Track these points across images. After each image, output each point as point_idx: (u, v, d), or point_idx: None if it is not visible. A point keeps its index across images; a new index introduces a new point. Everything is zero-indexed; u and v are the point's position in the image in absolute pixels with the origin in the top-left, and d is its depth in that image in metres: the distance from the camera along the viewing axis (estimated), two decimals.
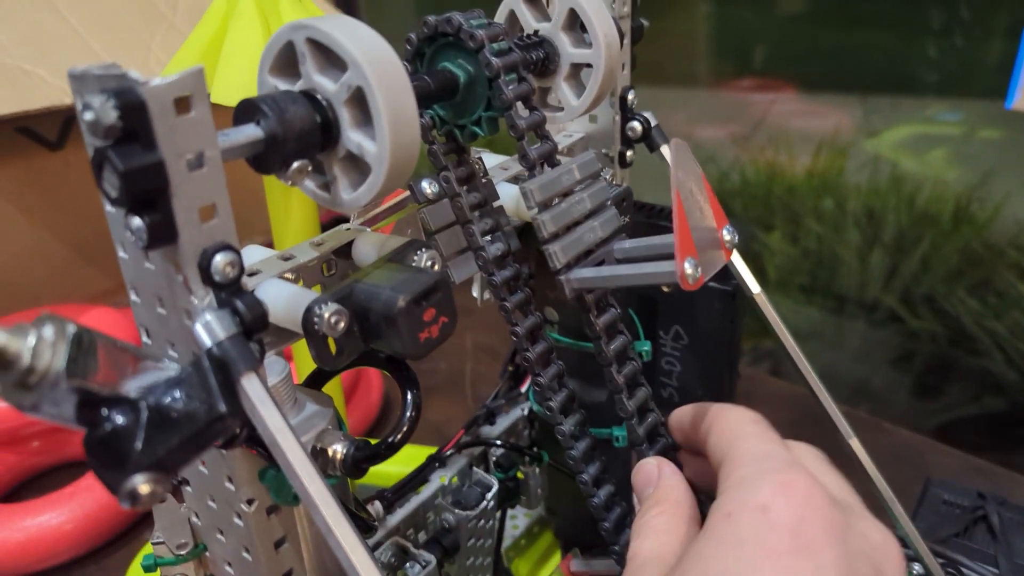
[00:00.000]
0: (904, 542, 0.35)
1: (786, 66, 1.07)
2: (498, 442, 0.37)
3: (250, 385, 0.19)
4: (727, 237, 0.25)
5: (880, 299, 1.04)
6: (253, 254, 0.25)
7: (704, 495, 0.27)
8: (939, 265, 1.00)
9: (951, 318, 0.98)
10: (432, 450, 0.50)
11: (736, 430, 0.25)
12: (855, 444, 0.33)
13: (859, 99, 1.02)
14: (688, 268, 0.22)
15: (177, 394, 0.17)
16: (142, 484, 0.16)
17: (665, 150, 0.34)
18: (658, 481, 0.26)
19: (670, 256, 0.24)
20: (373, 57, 0.20)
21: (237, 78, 0.29)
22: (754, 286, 0.33)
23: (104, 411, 0.16)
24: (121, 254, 0.21)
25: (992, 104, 0.89)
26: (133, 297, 0.22)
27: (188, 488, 0.24)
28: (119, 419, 0.16)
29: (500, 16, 0.30)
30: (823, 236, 1.06)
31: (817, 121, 1.05)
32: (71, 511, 0.49)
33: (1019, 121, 0.87)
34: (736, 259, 0.34)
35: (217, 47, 0.29)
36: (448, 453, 0.36)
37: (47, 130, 0.67)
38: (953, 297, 0.98)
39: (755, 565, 0.20)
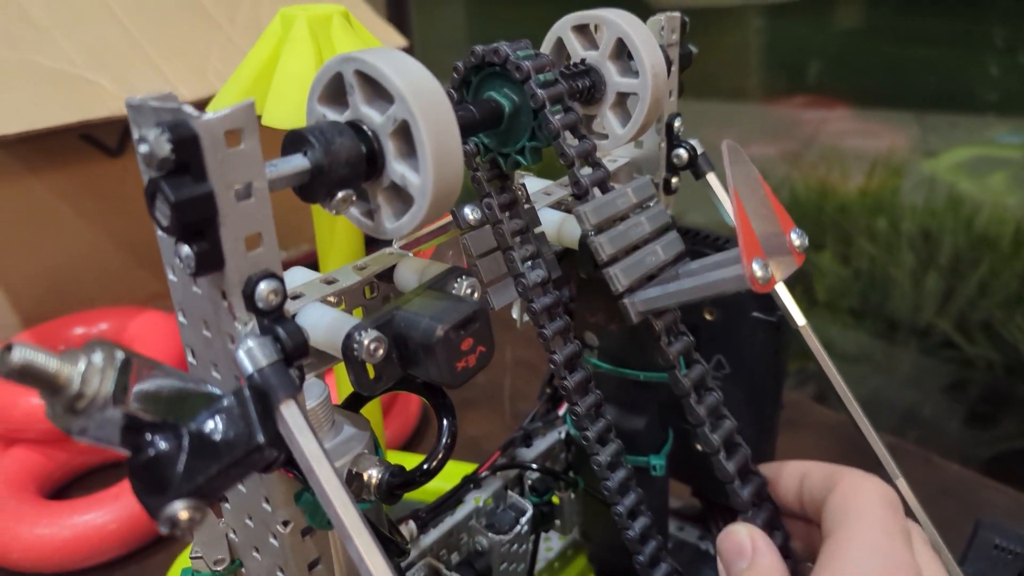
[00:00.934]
0: None
1: (840, 82, 1.05)
2: (534, 465, 0.37)
3: (289, 412, 0.19)
4: (796, 241, 0.24)
5: (934, 323, 1.01)
6: (296, 276, 0.26)
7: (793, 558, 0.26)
8: (998, 290, 0.97)
9: (1008, 345, 0.95)
10: (468, 466, 0.50)
11: (863, 507, 0.24)
12: (902, 484, 0.32)
13: (916, 117, 0.99)
14: (757, 269, 0.21)
15: (219, 422, 0.17)
16: (181, 511, 0.16)
17: (712, 178, 0.33)
18: (753, 557, 0.25)
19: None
20: (419, 91, 0.20)
21: (289, 102, 0.29)
22: (799, 318, 0.33)
23: (148, 436, 0.17)
24: (170, 276, 0.22)
25: None
26: (180, 318, 0.22)
27: (227, 505, 0.25)
28: (162, 445, 0.17)
29: (548, 43, 0.30)
30: (876, 257, 1.04)
31: (871, 140, 1.03)
32: (116, 511, 0.50)
33: None
34: (781, 289, 0.33)
35: (270, 70, 0.30)
36: (484, 475, 0.36)
37: (107, 137, 0.69)
38: (1011, 324, 0.95)
39: None
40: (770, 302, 0.34)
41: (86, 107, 0.60)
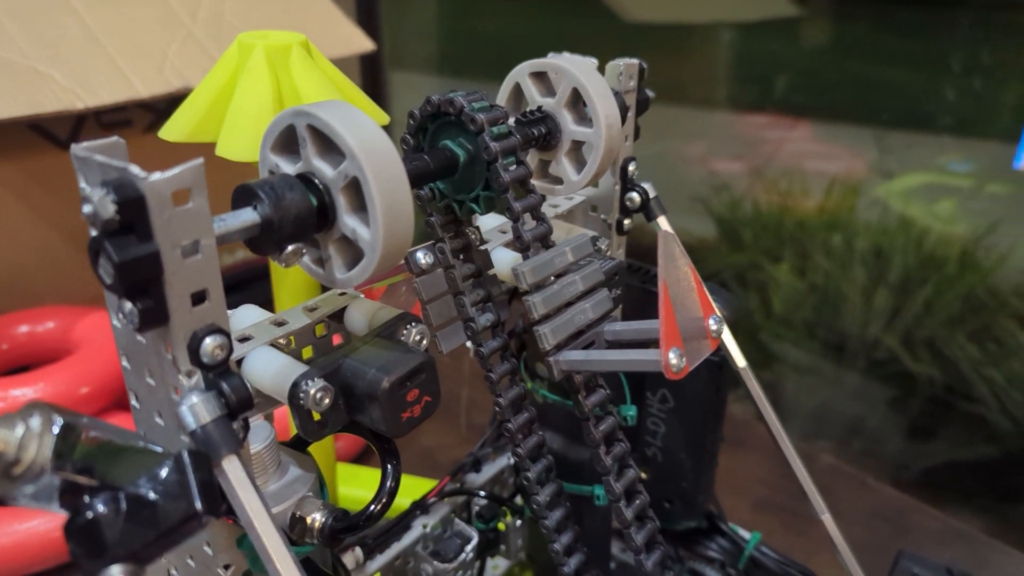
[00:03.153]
0: None
1: (806, 98, 1.07)
2: (481, 493, 0.37)
3: (231, 467, 0.19)
4: (713, 327, 0.25)
5: (881, 339, 1.04)
6: (247, 316, 0.26)
7: None
8: (942, 309, 1.00)
9: (950, 363, 0.98)
10: (421, 480, 0.51)
11: None
12: (827, 520, 0.34)
13: (875, 136, 1.02)
14: (673, 359, 0.23)
15: (157, 486, 0.17)
16: (117, 574, 0.16)
17: (662, 221, 0.34)
18: None
19: (657, 342, 0.24)
20: (370, 149, 0.21)
21: (243, 135, 0.29)
22: (740, 360, 0.34)
23: (86, 499, 0.17)
24: (114, 322, 0.22)
25: (1006, 148, 0.89)
26: (124, 363, 0.22)
27: None
28: (100, 508, 0.17)
29: (506, 89, 0.30)
30: (830, 272, 1.06)
31: (831, 162, 1.05)
32: (60, 517, 0.49)
33: None
34: (725, 333, 0.34)
35: (226, 98, 0.30)
36: (431, 501, 0.36)
37: (59, 128, 0.68)
38: (953, 342, 0.99)
39: None
40: None
41: (36, 100, 0.58)
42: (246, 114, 0.29)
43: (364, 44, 0.74)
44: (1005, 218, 0.92)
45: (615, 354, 0.25)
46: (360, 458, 0.58)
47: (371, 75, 1.15)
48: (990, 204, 0.94)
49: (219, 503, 0.18)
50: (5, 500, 0.16)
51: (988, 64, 0.92)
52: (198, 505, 0.17)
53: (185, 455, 0.18)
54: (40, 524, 0.49)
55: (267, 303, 0.30)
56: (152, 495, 0.17)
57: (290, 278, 0.34)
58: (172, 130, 0.31)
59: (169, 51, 0.66)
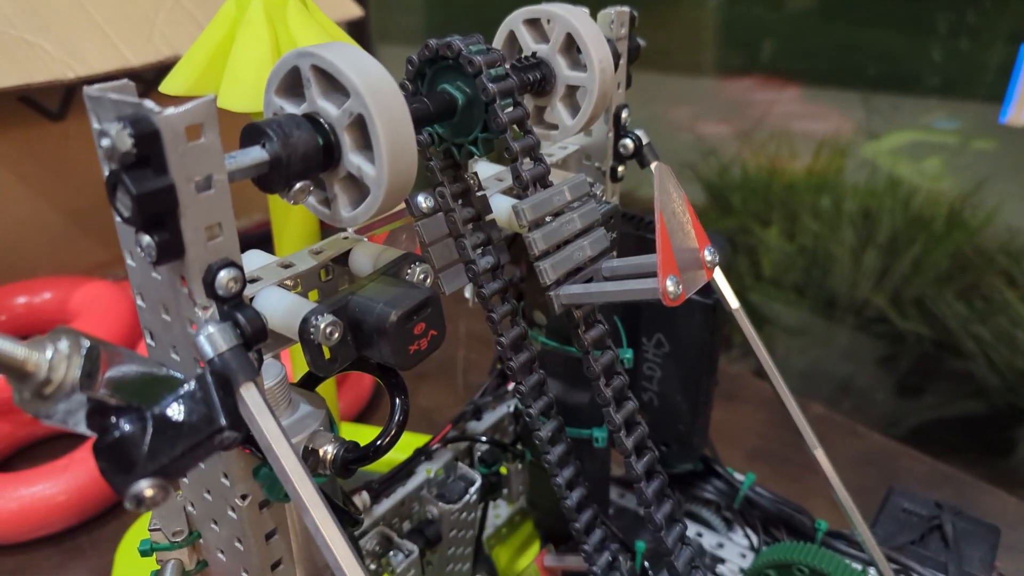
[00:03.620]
0: (860, 547, 0.37)
1: (792, 60, 1.08)
2: (483, 438, 0.39)
3: (248, 395, 0.20)
4: (708, 258, 0.26)
5: (870, 299, 1.05)
6: (254, 260, 0.27)
7: None
8: (930, 268, 1.01)
9: (938, 321, 1.00)
10: (420, 437, 0.52)
11: None
12: (820, 455, 0.35)
13: (862, 98, 1.03)
14: (670, 285, 0.24)
15: (181, 405, 0.18)
16: (147, 489, 0.17)
17: (655, 167, 0.35)
18: None
19: (655, 274, 0.25)
20: (374, 87, 0.21)
21: (244, 86, 0.29)
22: (733, 301, 0.35)
23: (113, 419, 0.18)
24: (129, 262, 0.22)
25: (991, 108, 0.90)
26: (139, 302, 0.23)
27: (185, 480, 0.26)
28: (127, 427, 0.18)
29: (500, 36, 0.31)
30: (819, 234, 1.07)
31: (819, 123, 1.06)
32: (64, 482, 0.50)
33: (1013, 133, 0.88)
34: (718, 275, 0.35)
35: (225, 51, 0.30)
36: (435, 447, 0.38)
37: (48, 101, 0.67)
38: (941, 300, 1.00)
39: None
40: (707, 286, 0.35)
41: (26, 71, 0.58)
42: (246, 65, 0.30)
43: (352, 10, 0.74)
44: (991, 175, 0.93)
45: (613, 284, 0.25)
46: (361, 417, 0.59)
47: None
48: (976, 160, 0.94)
49: (242, 421, 0.19)
50: (38, 417, 0.17)
51: (974, 24, 0.93)
52: (222, 420, 0.18)
53: (208, 375, 0.18)
54: (45, 489, 0.50)
55: None
56: (177, 413, 0.18)
57: (290, 231, 0.34)
58: (173, 84, 0.31)
59: (157, 19, 0.65)
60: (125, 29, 0.63)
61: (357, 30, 0.76)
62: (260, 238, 0.40)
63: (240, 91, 0.30)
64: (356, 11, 0.73)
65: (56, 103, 0.68)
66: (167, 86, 0.31)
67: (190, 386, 0.18)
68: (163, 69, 0.69)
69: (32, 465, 0.52)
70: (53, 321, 0.63)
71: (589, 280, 0.27)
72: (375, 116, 0.21)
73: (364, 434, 0.54)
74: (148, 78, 0.71)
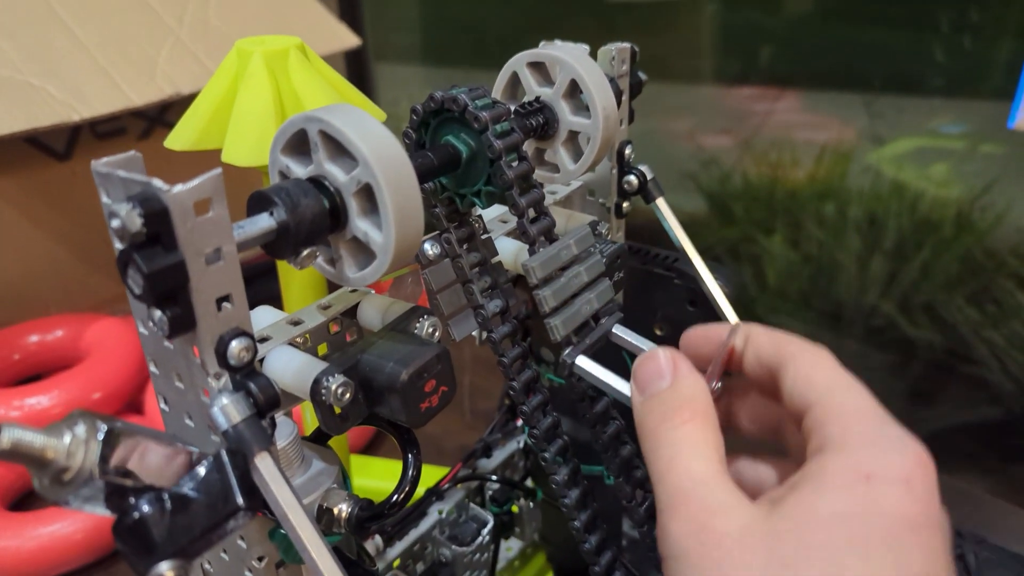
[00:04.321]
0: None
1: (792, 65, 1.07)
2: (494, 477, 0.39)
3: (263, 464, 0.20)
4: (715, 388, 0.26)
5: (878, 306, 1.04)
6: (263, 317, 0.27)
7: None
8: (939, 273, 1.01)
9: (949, 326, 0.99)
10: (429, 467, 0.52)
11: (834, 378, 0.22)
12: None
13: (864, 101, 1.02)
14: None
15: (199, 485, 0.18)
16: (167, 571, 0.17)
17: (661, 202, 0.35)
18: (675, 380, 0.23)
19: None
20: (382, 155, 0.21)
21: (247, 140, 0.30)
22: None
23: (132, 500, 0.18)
24: (141, 330, 0.22)
25: (998, 107, 0.89)
26: (152, 368, 0.23)
27: None
28: (145, 508, 0.18)
29: (503, 78, 0.31)
30: (824, 241, 1.07)
31: (820, 132, 1.05)
32: (81, 520, 0.50)
33: (1021, 136, 0.88)
34: (728, 309, 0.35)
35: (228, 106, 0.31)
36: (445, 487, 0.38)
37: (55, 141, 0.68)
38: (951, 305, 0.99)
39: (898, 539, 0.19)
40: (716, 320, 0.35)
41: (32, 114, 0.59)
42: (249, 120, 0.30)
43: (349, 40, 0.74)
44: (1000, 178, 0.93)
45: (620, 383, 0.26)
46: (368, 448, 0.59)
47: (356, 68, 1.16)
48: (984, 165, 0.94)
49: (259, 498, 0.19)
50: (58, 504, 0.17)
51: (977, 21, 0.92)
52: (240, 501, 0.18)
53: (223, 454, 0.19)
54: (63, 527, 0.50)
55: (270, 299, 0.30)
56: (195, 494, 0.18)
57: (298, 277, 0.34)
58: (178, 139, 0.31)
59: (159, 58, 0.66)
60: (127, 69, 0.64)
61: (355, 51, 0.77)
62: (263, 269, 0.40)
63: (244, 146, 0.30)
64: (354, 40, 0.73)
65: (62, 144, 0.68)
66: (173, 141, 0.32)
67: (207, 465, 0.18)
68: (166, 107, 0.70)
69: (48, 504, 0.53)
70: (66, 359, 0.63)
71: (598, 341, 0.27)
72: (383, 186, 0.21)
73: (373, 466, 0.54)
74: (152, 115, 0.72)
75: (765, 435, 0.26)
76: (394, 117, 0.33)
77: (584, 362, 0.26)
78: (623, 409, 0.28)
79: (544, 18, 1.13)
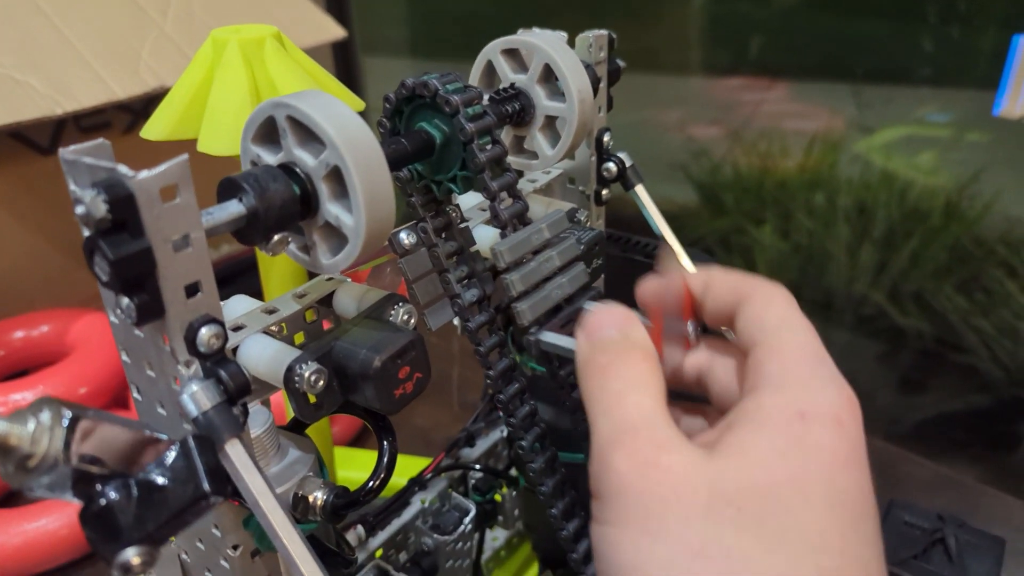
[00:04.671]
0: None
1: (781, 55, 1.07)
2: (477, 466, 0.39)
3: (233, 451, 0.20)
4: (690, 330, 0.26)
5: (868, 295, 1.05)
6: (238, 305, 0.27)
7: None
8: (928, 261, 1.01)
9: (938, 315, 0.99)
10: (416, 459, 0.52)
11: (783, 317, 0.23)
12: None
13: (852, 91, 1.02)
14: None
15: (166, 471, 0.18)
16: (133, 557, 0.17)
17: (640, 190, 0.35)
18: (626, 329, 0.23)
19: None
20: (350, 138, 0.21)
21: (223, 129, 0.30)
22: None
23: (98, 487, 0.18)
24: (112, 319, 0.22)
25: (984, 96, 0.89)
26: (124, 357, 0.23)
27: None
28: (112, 495, 0.18)
29: (478, 66, 0.31)
30: (813, 231, 1.07)
31: (809, 121, 1.05)
32: (67, 516, 0.50)
33: (1007, 123, 0.88)
34: None
35: (204, 95, 0.30)
36: (428, 476, 0.38)
37: (39, 135, 0.68)
38: (941, 294, 0.99)
39: (832, 475, 0.20)
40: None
41: (16, 108, 0.58)
42: (224, 109, 0.30)
43: (335, 31, 0.74)
44: (987, 166, 0.93)
45: None
46: (355, 441, 0.59)
47: (344, 62, 1.15)
48: (971, 153, 0.94)
49: (225, 484, 0.19)
50: (23, 491, 0.17)
51: (964, 11, 0.92)
52: (206, 486, 0.18)
53: (190, 440, 0.18)
54: (48, 523, 0.50)
55: (254, 296, 0.30)
56: (161, 479, 0.18)
57: (277, 267, 0.34)
58: (153, 129, 0.31)
59: (143, 51, 0.66)
60: (111, 63, 0.63)
61: (342, 44, 0.76)
62: (247, 265, 0.40)
63: (220, 135, 0.30)
64: (339, 32, 0.73)
65: (46, 138, 0.68)
66: (148, 131, 0.32)
67: (174, 452, 0.18)
68: (150, 100, 0.70)
69: (34, 500, 0.53)
70: (52, 354, 0.63)
71: (571, 320, 0.27)
72: (352, 167, 0.21)
73: (359, 459, 0.54)
74: (136, 108, 0.71)
75: (691, 384, 0.26)
76: (378, 110, 0.33)
77: (549, 336, 0.26)
78: None
79: (534, 10, 1.13)
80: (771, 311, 0.23)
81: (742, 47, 1.10)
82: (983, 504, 0.55)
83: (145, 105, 0.71)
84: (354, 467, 0.50)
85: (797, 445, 0.20)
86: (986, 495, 0.55)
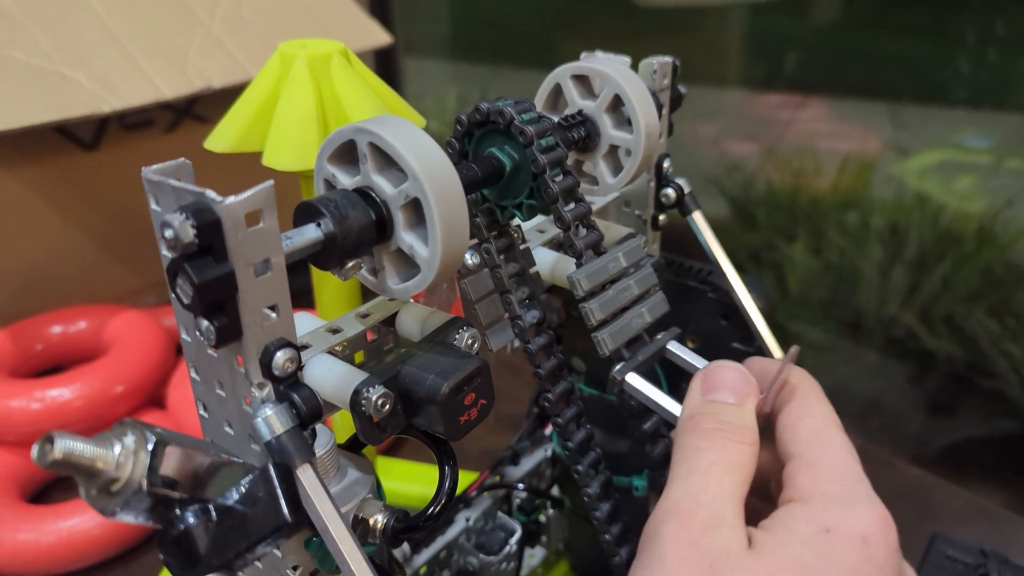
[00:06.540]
0: None
1: (818, 72, 1.07)
2: (521, 485, 0.38)
3: (305, 476, 0.20)
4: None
5: (898, 317, 1.04)
6: (302, 323, 0.27)
7: None
8: (960, 285, 1.00)
9: (968, 339, 0.98)
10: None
11: (817, 431, 0.23)
12: None
13: (889, 111, 1.01)
14: None
15: (244, 498, 0.18)
16: None
17: (697, 216, 0.34)
18: (744, 402, 0.23)
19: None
20: (431, 171, 0.21)
21: (289, 144, 0.30)
22: (776, 352, 0.34)
23: (177, 511, 0.18)
24: (184, 337, 0.22)
25: (1023, 122, 0.88)
26: (193, 375, 0.23)
27: None
28: (191, 520, 0.18)
29: (545, 88, 0.31)
30: (845, 250, 1.06)
31: (844, 140, 1.05)
32: (100, 515, 0.51)
33: None
34: (760, 322, 0.35)
35: (269, 109, 0.31)
36: (473, 494, 0.37)
37: (82, 131, 0.68)
38: (972, 318, 0.98)
39: None
40: (749, 334, 0.35)
41: (64, 105, 0.59)
42: (290, 124, 0.30)
43: (381, 37, 0.74)
44: (1022, 192, 0.92)
45: (672, 404, 0.25)
46: (391, 450, 0.59)
47: (385, 63, 1.15)
48: (1009, 180, 0.93)
49: (305, 513, 0.19)
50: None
51: (1003, 34, 0.91)
52: (287, 516, 0.18)
53: (271, 468, 0.18)
54: (81, 522, 0.50)
55: (300, 293, 0.29)
56: (240, 506, 0.18)
57: (331, 283, 0.34)
58: (218, 141, 0.31)
59: (190, 51, 0.66)
60: (159, 61, 0.64)
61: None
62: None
63: (286, 150, 0.30)
64: (385, 39, 0.73)
65: (90, 134, 0.69)
66: (213, 143, 0.32)
67: (253, 478, 0.18)
68: (194, 100, 0.70)
69: (67, 497, 0.53)
70: (87, 350, 0.63)
71: (651, 356, 0.27)
72: (432, 201, 0.21)
73: (397, 468, 0.54)
74: (180, 107, 0.72)
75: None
76: (419, 112, 0.34)
77: (634, 379, 0.26)
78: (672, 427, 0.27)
79: (572, 17, 1.13)
80: (806, 423, 0.24)
81: (779, 62, 1.09)
82: (1016, 536, 0.54)
83: (189, 104, 0.71)
84: (392, 476, 0.50)
85: (822, 560, 0.21)
86: (1021, 526, 0.54)
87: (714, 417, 0.23)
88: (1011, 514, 0.55)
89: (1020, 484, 0.90)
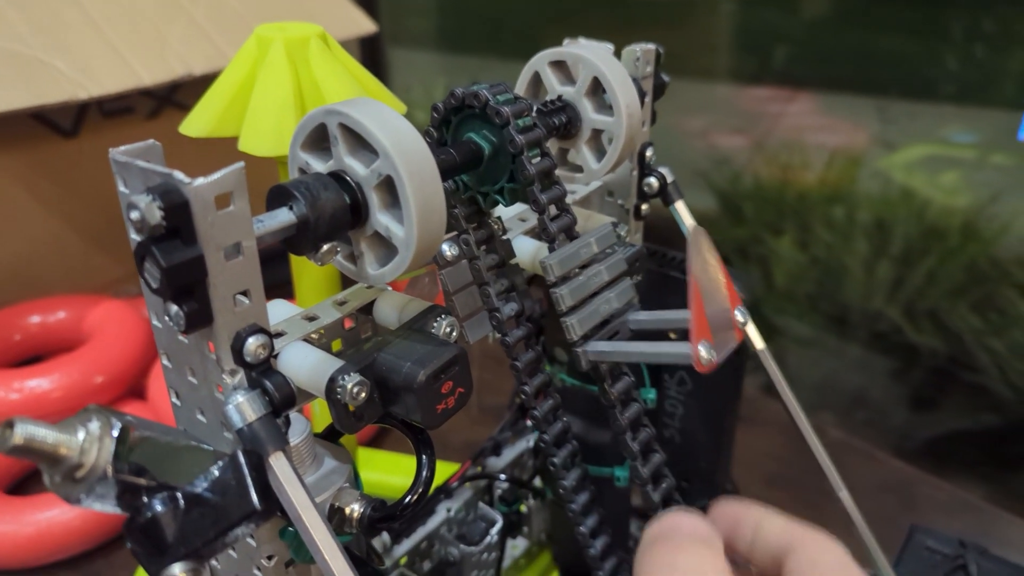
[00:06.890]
0: None
1: (807, 66, 1.07)
2: (502, 476, 0.38)
3: (278, 464, 0.20)
4: (740, 319, 0.26)
5: (883, 311, 1.04)
6: (278, 310, 0.26)
7: None
8: (944, 280, 1.00)
9: (952, 333, 0.99)
10: (438, 464, 0.51)
11: (843, 563, 0.23)
12: (844, 496, 0.35)
13: (876, 106, 1.02)
14: (703, 352, 0.23)
15: (213, 485, 0.18)
16: (180, 573, 0.17)
17: (680, 206, 0.34)
18: (712, 538, 0.23)
19: (682, 331, 0.25)
20: (403, 148, 0.21)
21: (266, 129, 0.29)
22: (759, 342, 0.34)
23: (144, 499, 0.17)
24: (155, 323, 0.22)
25: (1010, 117, 0.89)
26: (165, 362, 0.23)
27: None
28: (159, 508, 0.17)
29: (525, 77, 0.30)
30: (832, 244, 1.06)
31: (832, 135, 1.05)
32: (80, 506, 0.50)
33: None
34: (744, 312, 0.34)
35: (246, 93, 0.30)
36: (454, 485, 0.37)
37: (61, 118, 0.67)
38: (955, 313, 0.99)
39: None
40: None
41: (41, 91, 0.58)
42: (267, 109, 0.29)
43: (366, 26, 0.73)
44: (1007, 188, 0.92)
45: (645, 346, 0.25)
46: (374, 441, 0.58)
47: (370, 53, 1.15)
48: (994, 175, 0.93)
49: (275, 501, 0.18)
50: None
51: (990, 31, 0.92)
52: (256, 504, 0.18)
53: (240, 455, 0.18)
54: (61, 513, 0.50)
55: (272, 288, 0.29)
56: (210, 494, 0.17)
57: (310, 268, 0.34)
58: (193, 125, 0.31)
59: (170, 37, 0.65)
60: (138, 47, 0.63)
61: (369, 35, 0.76)
62: (268, 254, 0.39)
63: (262, 135, 0.29)
64: (370, 27, 0.72)
65: (69, 120, 0.68)
66: (187, 127, 0.31)
67: (223, 466, 0.18)
68: (175, 86, 0.69)
69: (46, 488, 0.52)
70: (68, 341, 0.62)
71: (615, 334, 0.27)
72: (405, 178, 0.21)
73: (378, 459, 0.53)
74: (161, 94, 0.71)
75: None
76: (406, 103, 0.33)
77: (594, 345, 0.25)
78: (646, 413, 0.27)
79: (561, 8, 1.12)
80: (828, 556, 0.23)
81: (768, 56, 1.09)
82: (1001, 530, 0.54)
83: (170, 91, 0.70)
84: (374, 468, 0.50)
85: None
86: (1002, 519, 0.55)
87: (690, 533, 0.23)
88: (992, 507, 0.56)
89: (1001, 478, 0.90)
